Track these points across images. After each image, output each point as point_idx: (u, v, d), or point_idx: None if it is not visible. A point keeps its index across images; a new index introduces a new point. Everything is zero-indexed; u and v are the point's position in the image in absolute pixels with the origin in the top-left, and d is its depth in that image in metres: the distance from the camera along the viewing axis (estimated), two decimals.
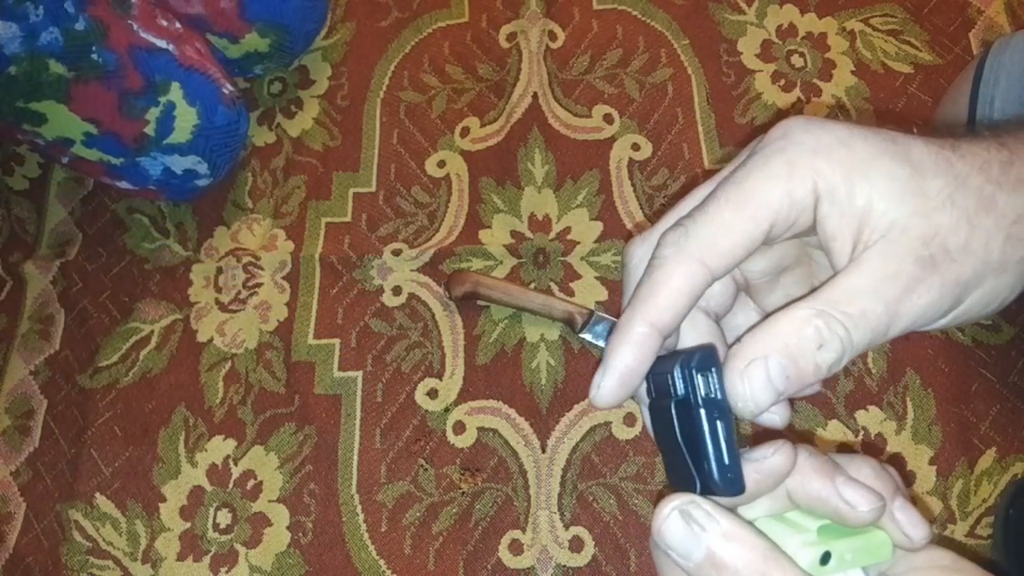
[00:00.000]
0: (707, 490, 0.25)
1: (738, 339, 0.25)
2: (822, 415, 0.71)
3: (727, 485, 0.25)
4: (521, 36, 0.89)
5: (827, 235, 0.25)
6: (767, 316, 0.25)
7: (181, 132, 0.73)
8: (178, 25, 0.75)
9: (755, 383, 0.24)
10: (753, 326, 0.25)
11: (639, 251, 0.28)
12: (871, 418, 0.70)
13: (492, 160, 0.83)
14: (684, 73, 0.86)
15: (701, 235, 0.25)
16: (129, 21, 0.71)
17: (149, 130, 0.71)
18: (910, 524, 0.26)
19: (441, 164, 0.83)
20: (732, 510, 0.25)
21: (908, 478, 0.68)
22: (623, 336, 0.26)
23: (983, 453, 0.69)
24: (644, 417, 0.28)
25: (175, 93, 0.71)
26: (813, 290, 0.25)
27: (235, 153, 0.79)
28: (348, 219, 0.81)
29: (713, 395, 0.25)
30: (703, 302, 0.28)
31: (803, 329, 0.24)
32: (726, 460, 0.25)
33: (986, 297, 0.25)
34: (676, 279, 0.25)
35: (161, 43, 0.72)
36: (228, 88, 0.76)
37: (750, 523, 0.24)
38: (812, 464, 0.26)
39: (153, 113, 0.71)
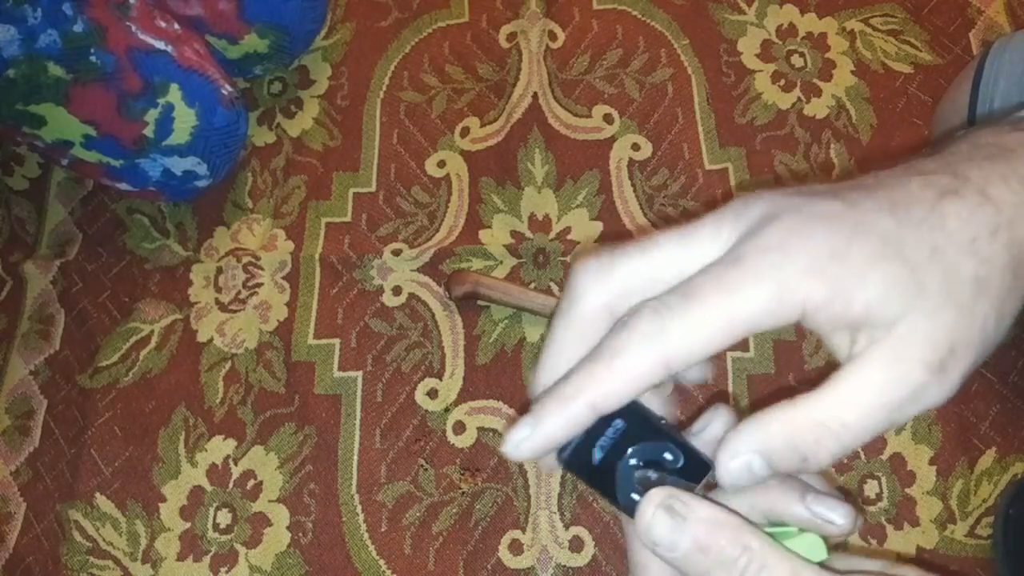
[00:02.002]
0: (702, 474, 0.27)
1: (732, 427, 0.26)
2: None
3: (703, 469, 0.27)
4: (521, 36, 0.89)
5: (824, 333, 0.25)
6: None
7: (180, 133, 0.72)
8: (176, 26, 0.75)
9: (737, 474, 0.25)
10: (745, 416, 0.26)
11: (592, 286, 0.27)
12: None
13: (492, 160, 0.83)
14: (684, 73, 0.86)
15: (676, 338, 0.25)
16: (127, 23, 0.71)
17: (148, 132, 0.71)
18: (828, 509, 0.27)
19: (441, 164, 0.83)
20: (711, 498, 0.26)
21: (908, 478, 0.69)
22: (561, 408, 0.25)
23: (983, 453, 0.69)
24: (556, 465, 0.28)
25: (174, 94, 0.71)
26: (815, 385, 0.25)
27: (234, 154, 0.79)
28: (348, 219, 0.81)
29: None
30: None
31: (794, 439, 0.24)
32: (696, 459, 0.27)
33: (975, 366, 0.26)
34: (635, 375, 0.25)
35: (159, 44, 0.72)
36: (227, 89, 0.76)
37: (721, 504, 0.25)
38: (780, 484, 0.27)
39: (152, 115, 0.71)
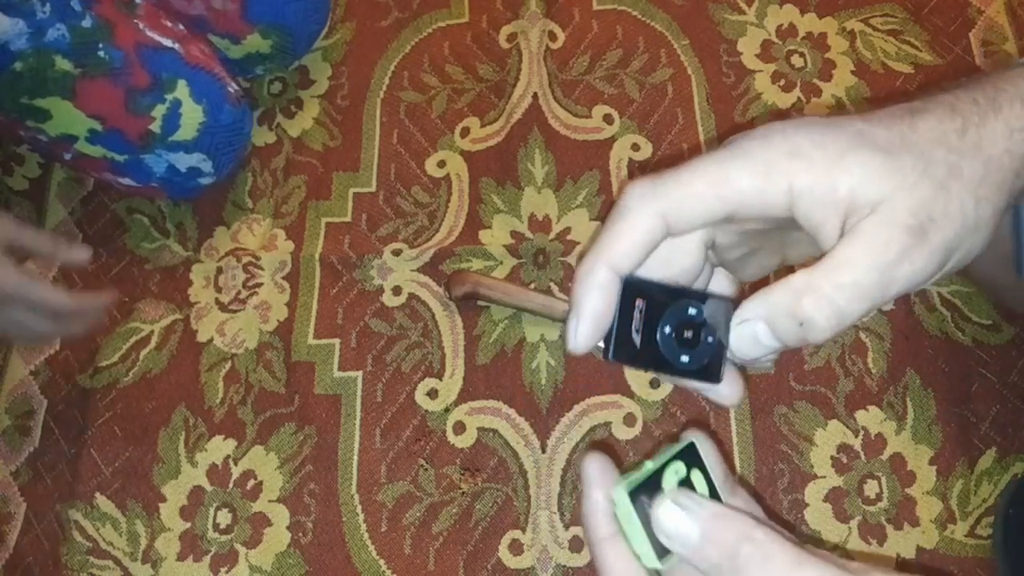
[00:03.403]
0: (728, 314, 0.29)
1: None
2: (822, 415, 0.71)
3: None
4: (521, 36, 0.89)
5: (813, 225, 0.27)
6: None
7: (187, 129, 0.73)
8: (181, 27, 0.75)
9: (744, 340, 0.28)
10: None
11: (645, 197, 0.30)
12: (871, 418, 0.70)
13: (492, 160, 0.83)
14: (684, 73, 0.86)
15: (669, 194, 0.28)
16: (135, 20, 0.71)
17: (155, 127, 0.71)
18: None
19: (441, 164, 0.83)
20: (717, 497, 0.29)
21: (908, 478, 0.69)
22: (591, 282, 0.28)
23: (983, 453, 0.69)
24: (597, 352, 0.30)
25: (181, 91, 0.72)
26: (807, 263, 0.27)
27: (238, 152, 0.79)
28: (348, 219, 0.81)
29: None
30: (669, 271, 0.31)
31: (791, 302, 0.26)
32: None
33: (964, 255, 0.28)
34: (638, 230, 0.28)
35: (167, 42, 0.72)
36: (233, 87, 0.76)
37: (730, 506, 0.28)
38: None
39: (159, 110, 0.71)
